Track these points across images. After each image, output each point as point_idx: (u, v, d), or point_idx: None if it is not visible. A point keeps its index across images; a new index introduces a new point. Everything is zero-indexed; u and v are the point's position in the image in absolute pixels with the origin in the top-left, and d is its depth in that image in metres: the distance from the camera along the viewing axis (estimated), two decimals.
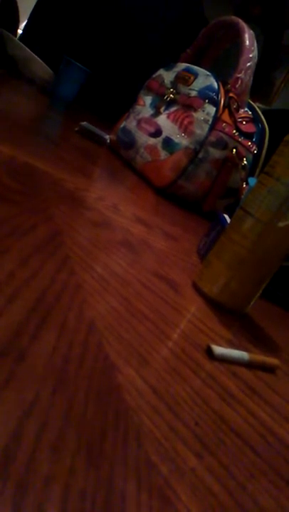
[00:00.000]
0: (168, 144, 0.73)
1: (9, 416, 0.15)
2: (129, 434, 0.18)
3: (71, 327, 0.22)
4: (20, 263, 0.25)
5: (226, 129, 0.72)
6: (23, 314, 0.21)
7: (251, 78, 0.75)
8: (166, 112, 0.77)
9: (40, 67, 1.24)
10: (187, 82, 0.76)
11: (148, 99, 0.83)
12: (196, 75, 0.76)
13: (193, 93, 0.74)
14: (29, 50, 1.22)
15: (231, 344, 0.32)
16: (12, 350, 0.18)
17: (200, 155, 0.72)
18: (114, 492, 0.15)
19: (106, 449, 0.16)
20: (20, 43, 1.23)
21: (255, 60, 0.75)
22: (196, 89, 0.74)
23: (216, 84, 0.73)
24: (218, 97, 0.72)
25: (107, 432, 0.17)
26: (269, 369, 0.31)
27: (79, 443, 0.16)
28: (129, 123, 0.84)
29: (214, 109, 0.71)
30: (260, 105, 0.79)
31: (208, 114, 0.71)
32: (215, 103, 0.72)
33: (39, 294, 0.24)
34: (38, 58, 1.22)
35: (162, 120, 0.76)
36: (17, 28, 1.49)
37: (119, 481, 0.15)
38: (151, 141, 0.76)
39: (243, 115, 0.74)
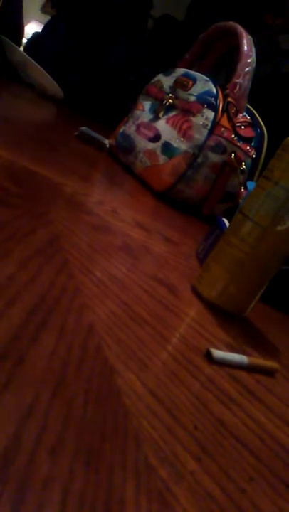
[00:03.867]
0: (167, 148, 0.74)
1: (8, 418, 0.15)
2: (129, 437, 0.18)
3: (70, 330, 0.22)
4: (19, 267, 0.26)
5: (225, 134, 0.72)
6: (22, 317, 0.21)
7: (250, 83, 0.75)
8: (165, 116, 0.77)
9: (38, 73, 1.25)
10: (186, 87, 0.76)
11: (147, 104, 0.84)
12: (194, 80, 0.76)
13: (192, 98, 0.74)
14: (27, 56, 1.23)
15: (230, 348, 0.32)
16: (11, 353, 0.18)
17: (199, 159, 0.72)
18: (114, 495, 0.15)
19: (105, 452, 0.16)
20: (18, 49, 1.23)
21: (254, 65, 0.75)
22: (195, 94, 0.74)
23: (214, 89, 0.73)
24: (216, 102, 0.72)
25: (107, 435, 0.17)
26: (268, 373, 0.31)
27: (78, 446, 0.16)
28: (129, 128, 0.84)
29: (213, 113, 0.72)
30: None
31: (206, 118, 0.72)
32: (214, 108, 0.72)
33: (38, 298, 0.24)
34: (36, 64, 1.23)
35: (161, 125, 0.77)
36: (22, 35, 1.50)
37: (119, 484, 0.15)
38: (151, 145, 0.76)
39: (241, 120, 0.75)
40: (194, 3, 1.71)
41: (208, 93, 0.73)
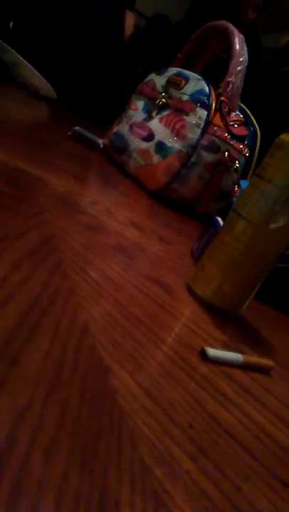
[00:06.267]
0: (160, 148, 0.74)
1: (2, 420, 0.15)
2: (123, 437, 0.18)
3: (64, 331, 0.22)
4: (13, 267, 0.25)
5: (218, 133, 0.72)
6: (16, 318, 0.21)
7: (242, 82, 0.75)
8: (159, 116, 0.77)
9: (29, 72, 1.24)
10: (178, 87, 0.76)
11: (140, 104, 0.84)
12: (187, 79, 0.76)
13: (185, 97, 0.74)
14: (19, 56, 1.22)
15: (226, 346, 0.32)
16: (5, 355, 0.18)
17: (192, 158, 0.72)
18: (108, 495, 0.15)
19: (100, 453, 0.16)
20: (10, 48, 1.23)
21: (246, 63, 0.75)
22: (188, 93, 0.74)
23: (207, 88, 0.73)
24: (209, 101, 0.72)
25: (101, 435, 0.17)
26: (263, 370, 0.31)
27: (73, 447, 0.16)
28: (122, 127, 0.84)
29: (206, 112, 0.72)
30: None
31: (200, 117, 0.72)
32: (206, 107, 0.72)
33: (32, 298, 0.24)
34: (28, 63, 1.22)
35: (154, 124, 0.77)
36: None
37: (113, 485, 0.15)
38: (144, 145, 0.76)
39: (234, 118, 0.75)
40: (195, 4, 1.71)
41: (201, 92, 0.73)
